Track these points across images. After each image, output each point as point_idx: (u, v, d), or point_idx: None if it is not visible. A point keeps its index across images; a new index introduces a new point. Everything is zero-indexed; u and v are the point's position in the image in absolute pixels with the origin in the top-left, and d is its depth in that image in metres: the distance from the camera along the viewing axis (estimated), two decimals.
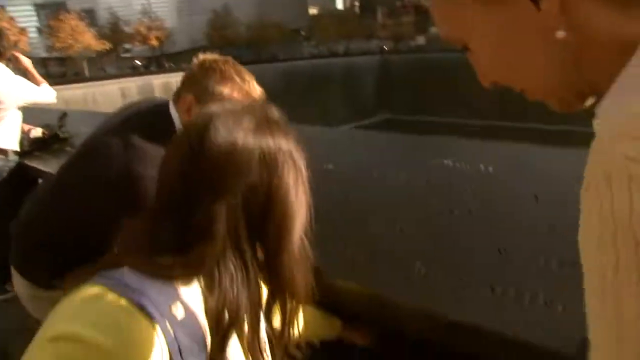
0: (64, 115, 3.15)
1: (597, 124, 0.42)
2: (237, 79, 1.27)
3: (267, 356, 0.79)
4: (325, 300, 1.12)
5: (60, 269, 0.93)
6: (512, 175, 1.51)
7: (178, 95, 1.31)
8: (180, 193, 0.63)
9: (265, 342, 0.79)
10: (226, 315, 0.63)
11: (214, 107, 0.69)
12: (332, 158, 1.76)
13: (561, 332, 0.88)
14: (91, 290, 0.58)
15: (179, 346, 0.58)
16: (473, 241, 1.18)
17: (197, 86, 1.26)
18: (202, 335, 0.62)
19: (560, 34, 0.45)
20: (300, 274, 0.71)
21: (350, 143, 1.89)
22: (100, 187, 1.21)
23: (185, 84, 1.31)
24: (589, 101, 0.50)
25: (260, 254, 0.68)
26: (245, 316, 0.65)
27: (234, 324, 0.64)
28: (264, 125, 0.67)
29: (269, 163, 0.65)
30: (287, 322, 0.76)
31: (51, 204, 1.34)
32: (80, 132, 2.73)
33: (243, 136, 0.64)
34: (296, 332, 0.82)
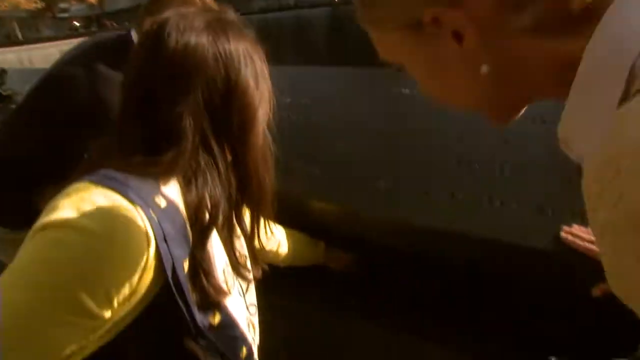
0: (2, 72, 2.97)
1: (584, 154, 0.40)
2: (199, 3, 1.26)
3: (249, 272, 0.82)
4: (297, 220, 1.16)
5: (23, 207, 0.90)
6: None
7: (141, 21, 1.30)
8: (142, 97, 0.65)
9: (245, 257, 0.82)
10: (205, 211, 0.66)
11: (167, 13, 0.70)
12: (291, 93, 1.76)
13: (517, 226, 0.95)
14: (75, 186, 0.59)
15: (163, 233, 0.59)
16: (433, 155, 1.23)
17: (161, 10, 1.23)
18: (185, 226, 0.63)
19: (485, 68, 0.47)
20: (264, 167, 0.74)
21: (308, 78, 1.88)
22: (65, 118, 1.18)
23: (148, 9, 1.29)
24: (520, 113, 0.54)
25: (228, 155, 0.70)
26: (221, 212, 0.68)
27: (214, 220, 0.66)
28: (217, 25, 0.68)
29: (225, 59, 0.66)
30: (256, 217, 0.80)
31: (9, 141, 1.29)
32: (23, 90, 2.58)
33: (195, 35, 0.66)
34: (267, 239, 0.85)
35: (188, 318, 0.63)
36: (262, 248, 0.91)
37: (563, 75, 0.44)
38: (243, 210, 0.78)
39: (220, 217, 0.68)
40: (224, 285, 0.69)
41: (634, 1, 0.40)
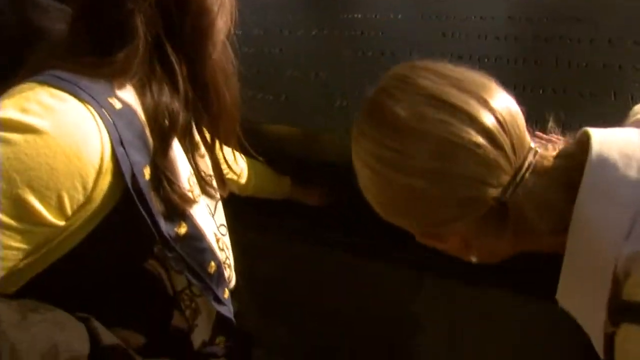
0: None
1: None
2: None
3: (215, 191, 0.81)
4: (256, 147, 1.14)
5: None
6: (419, 19, 1.54)
7: None
8: None
9: (211, 177, 0.80)
10: (164, 117, 0.63)
11: None
12: (242, 25, 1.67)
13: None
14: (19, 87, 0.55)
15: (119, 136, 0.56)
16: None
17: None
18: (143, 131, 0.61)
19: (474, 259, 0.60)
20: (224, 80, 0.71)
21: (258, 10, 1.80)
22: None
23: None
24: None
25: (184, 66, 0.66)
26: (180, 118, 0.66)
27: (173, 126, 0.64)
28: None
29: None
30: (217, 133, 0.77)
31: None
32: None
33: None
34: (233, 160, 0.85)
35: (152, 227, 0.61)
36: (230, 170, 0.90)
37: (551, 249, 0.53)
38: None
39: (180, 124, 0.66)
40: (189, 195, 0.67)
41: (595, 197, 0.47)
